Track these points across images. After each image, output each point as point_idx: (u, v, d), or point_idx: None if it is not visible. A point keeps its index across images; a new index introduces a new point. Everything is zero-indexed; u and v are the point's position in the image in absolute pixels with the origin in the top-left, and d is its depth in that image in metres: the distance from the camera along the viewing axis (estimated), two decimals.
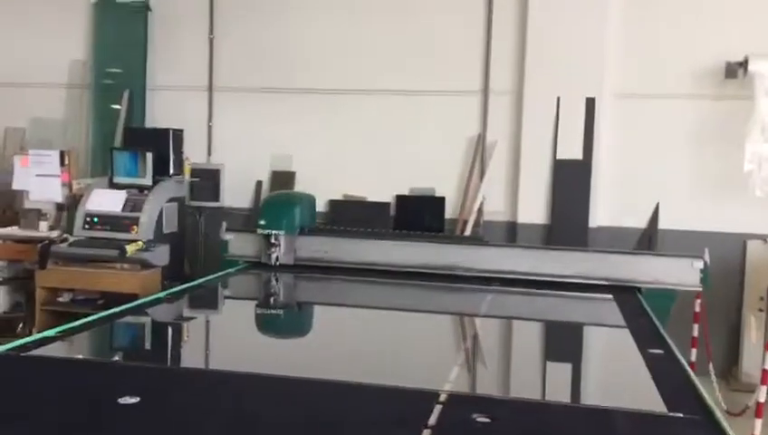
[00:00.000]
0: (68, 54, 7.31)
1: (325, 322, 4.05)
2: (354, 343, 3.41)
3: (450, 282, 4.62)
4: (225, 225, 5.08)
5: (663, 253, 5.10)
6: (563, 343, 3.77)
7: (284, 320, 4.13)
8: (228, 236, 5.02)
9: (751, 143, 5.88)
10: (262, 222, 4.86)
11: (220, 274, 4.75)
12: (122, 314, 3.51)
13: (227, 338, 3.61)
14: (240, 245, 4.99)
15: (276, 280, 4.72)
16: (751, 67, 5.88)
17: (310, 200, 5.37)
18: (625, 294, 4.36)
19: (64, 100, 7.34)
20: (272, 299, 4.62)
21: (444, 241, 5.20)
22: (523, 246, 5.67)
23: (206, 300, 4.33)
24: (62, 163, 6.19)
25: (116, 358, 3.17)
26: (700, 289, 4.60)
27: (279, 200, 5.26)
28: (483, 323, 3.95)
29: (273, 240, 4.82)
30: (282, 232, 4.83)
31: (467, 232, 6.48)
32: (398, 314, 4.16)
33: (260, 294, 4.69)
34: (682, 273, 4.50)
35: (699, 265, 4.45)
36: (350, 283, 4.68)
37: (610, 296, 4.30)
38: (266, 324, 3.99)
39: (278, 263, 4.83)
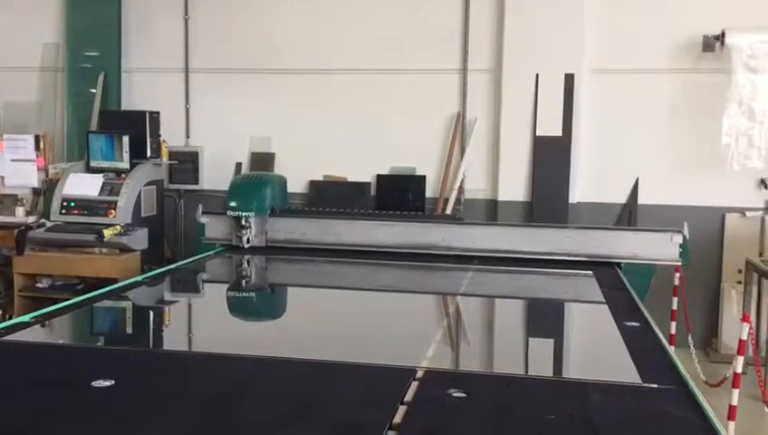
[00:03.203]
0: (41, 38, 7.18)
1: (302, 303, 4.01)
2: (332, 323, 3.40)
3: (428, 261, 4.59)
4: (200, 208, 5.02)
5: (642, 228, 5.11)
6: (542, 320, 3.78)
7: (262, 302, 4.11)
8: (204, 220, 4.95)
9: (728, 117, 5.90)
10: (232, 204, 4.80)
11: (198, 257, 4.71)
12: (97, 298, 3.48)
13: (205, 321, 3.59)
14: (217, 228, 4.93)
15: (250, 263, 4.66)
16: (728, 40, 5.88)
17: (281, 181, 5.28)
18: (605, 270, 4.36)
19: (38, 83, 7.21)
20: (249, 282, 4.56)
21: (419, 220, 5.14)
22: (501, 224, 5.69)
23: (183, 284, 4.30)
24: (37, 148, 6.13)
25: (92, 342, 3.15)
26: (679, 263, 4.63)
27: (248, 182, 5.16)
28: (461, 301, 3.94)
29: (243, 222, 4.76)
30: (252, 214, 4.78)
31: (448, 210, 6.48)
32: (376, 294, 4.12)
33: (237, 277, 4.63)
34: (662, 247, 4.51)
35: (678, 239, 4.48)
36: (326, 264, 4.64)
37: (590, 272, 4.30)
38: (244, 307, 3.96)
39: (249, 245, 4.78)
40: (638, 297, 3.73)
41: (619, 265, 4.51)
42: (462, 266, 4.48)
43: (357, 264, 4.65)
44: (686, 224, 4.54)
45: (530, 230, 4.90)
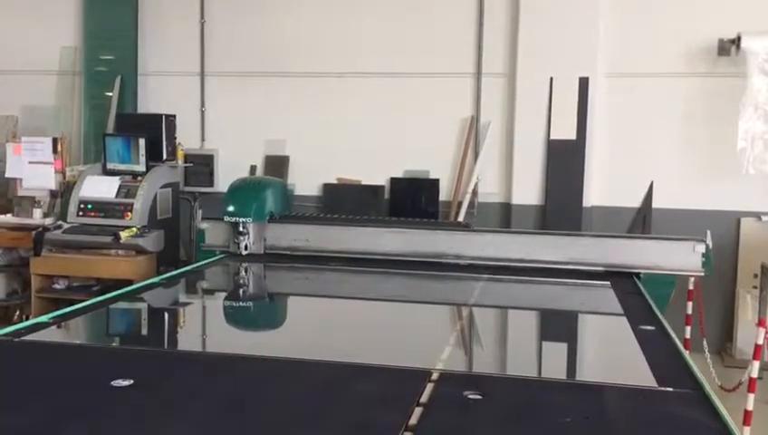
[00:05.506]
0: (59, 41, 7.25)
1: (312, 310, 3.94)
2: (344, 328, 3.39)
3: (435, 270, 4.46)
4: (200, 213, 4.91)
5: (663, 236, 4.86)
6: (557, 327, 3.70)
7: (273, 308, 4.09)
8: (204, 225, 4.81)
9: (744, 121, 5.87)
10: (229, 209, 4.64)
11: (206, 261, 4.64)
12: (114, 299, 3.52)
13: (220, 324, 3.62)
14: (218, 234, 4.78)
15: (263, 269, 4.60)
16: (743, 44, 5.86)
17: (281, 186, 5.12)
18: (623, 280, 4.19)
19: (56, 87, 7.29)
20: (260, 288, 4.55)
21: (428, 227, 4.85)
22: (514, 231, 5.54)
23: (199, 287, 4.31)
24: (54, 150, 6.18)
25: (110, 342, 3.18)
26: (702, 274, 4.40)
27: (247, 186, 4.97)
28: (473, 312, 3.82)
29: (241, 228, 4.61)
30: (250, 220, 4.63)
31: (462, 213, 6.48)
32: (386, 303, 4.02)
33: (251, 283, 4.58)
34: (683, 257, 4.31)
35: (701, 248, 4.28)
36: (332, 272, 4.49)
37: (608, 283, 4.13)
38: (255, 312, 3.93)
39: (247, 252, 4.63)
40: (658, 308, 3.59)
41: (638, 275, 4.32)
42: (472, 276, 4.34)
43: (364, 272, 4.51)
44: (708, 232, 4.43)
45: (546, 238, 4.67)
